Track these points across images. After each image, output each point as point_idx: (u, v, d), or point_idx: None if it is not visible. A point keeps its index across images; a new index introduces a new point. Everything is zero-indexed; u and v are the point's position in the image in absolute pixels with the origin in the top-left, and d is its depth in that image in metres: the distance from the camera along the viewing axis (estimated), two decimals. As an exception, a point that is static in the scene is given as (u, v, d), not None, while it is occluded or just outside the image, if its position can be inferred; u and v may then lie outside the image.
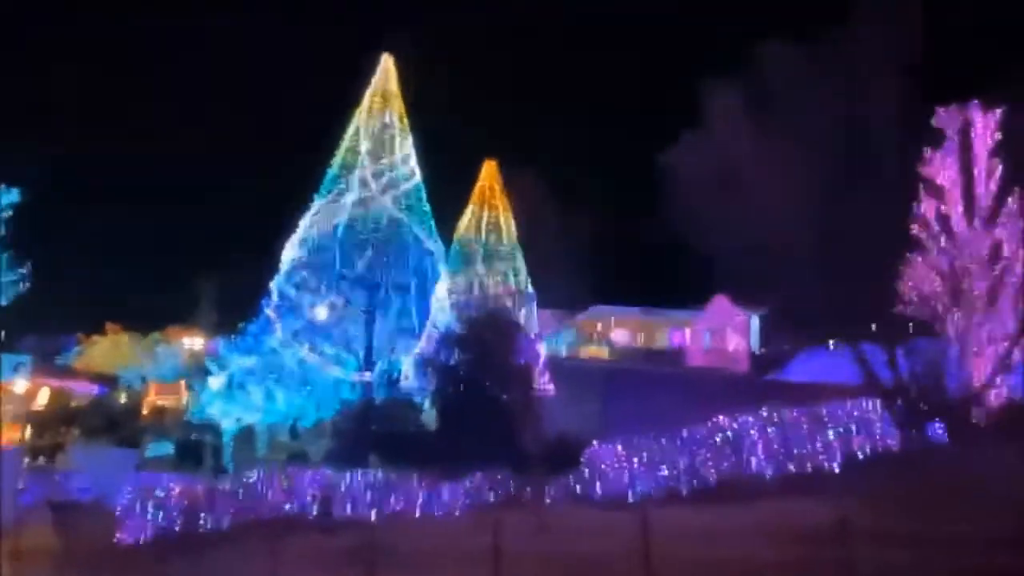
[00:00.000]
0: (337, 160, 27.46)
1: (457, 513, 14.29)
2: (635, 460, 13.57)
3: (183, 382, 54.26)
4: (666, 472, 13.41)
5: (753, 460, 13.19)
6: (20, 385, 34.86)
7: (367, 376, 25.67)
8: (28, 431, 31.62)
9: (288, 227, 27.63)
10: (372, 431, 21.09)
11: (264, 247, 28.96)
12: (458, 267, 29.91)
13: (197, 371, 55.28)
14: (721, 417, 13.59)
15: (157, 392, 50.34)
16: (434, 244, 27.99)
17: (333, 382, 27.26)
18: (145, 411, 46.71)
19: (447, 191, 31.25)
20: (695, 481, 13.27)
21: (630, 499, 13.20)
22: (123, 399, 47.80)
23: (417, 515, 14.46)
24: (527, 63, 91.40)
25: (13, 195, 24.71)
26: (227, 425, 31.45)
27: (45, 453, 28.90)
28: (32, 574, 13.10)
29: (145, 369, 54.45)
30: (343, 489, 14.63)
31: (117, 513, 17.73)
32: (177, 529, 14.01)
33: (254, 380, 27.70)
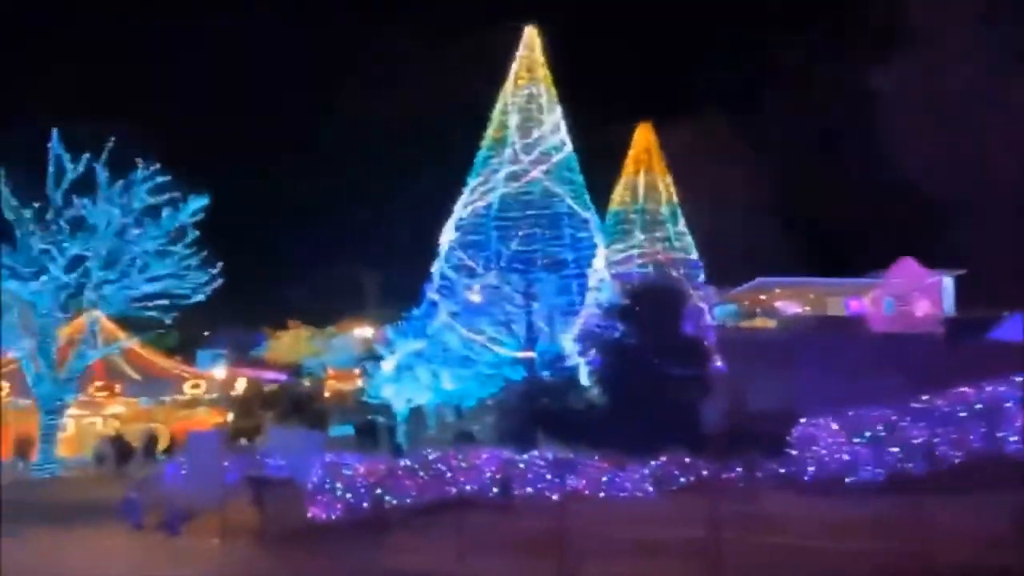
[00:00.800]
0: (487, 138, 26.98)
1: (644, 496, 12.98)
2: (854, 439, 11.45)
3: (357, 368, 57.44)
4: (896, 452, 11.20)
5: (1010, 437, 10.61)
6: (220, 374, 38.30)
7: (529, 354, 25.00)
8: (230, 415, 34.60)
9: (446, 211, 27.61)
10: (537, 409, 20.26)
11: (425, 234, 29.26)
12: (616, 237, 28.41)
13: (369, 357, 58.26)
14: (965, 388, 11.07)
15: (335, 378, 53.68)
16: (590, 215, 26.68)
17: (495, 361, 26.98)
18: (326, 395, 49.93)
19: (601, 159, 29.81)
20: (934, 463, 10.96)
21: (850, 484, 11.16)
22: (307, 385, 51.41)
23: (602, 497, 13.33)
24: (674, 12, 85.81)
25: (203, 200, 26.74)
26: (399, 406, 32.33)
27: (245, 434, 31.09)
28: (237, 545, 13.49)
29: (324, 358, 58.38)
30: (521, 468, 13.88)
31: (305, 488, 18.12)
32: (365, 506, 13.88)
33: (421, 362, 28.05)
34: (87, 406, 28.72)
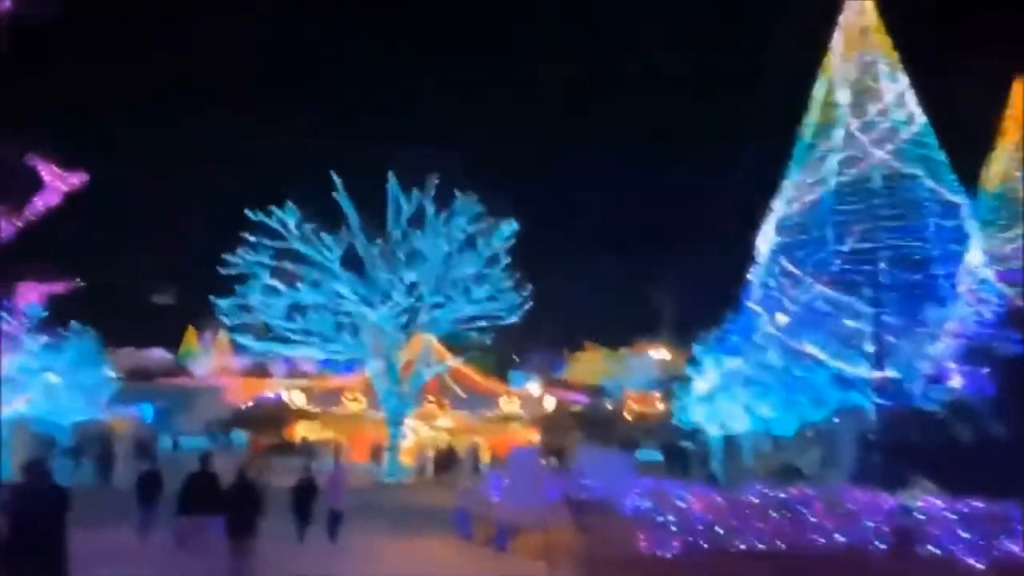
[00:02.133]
0: (809, 123, 22.96)
1: None
2: None
3: (656, 390, 55.52)
4: None
5: None
6: (532, 393, 39.57)
7: (881, 374, 20.16)
8: (541, 433, 35.25)
9: (759, 214, 24.11)
10: (912, 444, 15.79)
11: (731, 242, 26.25)
12: (1000, 223, 21.89)
13: (669, 379, 56.07)
14: None
15: (635, 400, 52.47)
16: (957, 198, 20.90)
17: (827, 383, 22.57)
18: (627, 417, 48.86)
19: (967, 129, 23.47)
20: None
21: None
22: (608, 407, 51.04)
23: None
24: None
25: (513, 226, 27.65)
26: (712, 432, 29.32)
27: (554, 453, 31.01)
28: (562, 570, 12.26)
29: (621, 380, 57.68)
30: (919, 519, 10.31)
31: (626, 515, 16.57)
32: (704, 546, 11.58)
33: (738, 383, 24.82)
34: (422, 418, 31.34)
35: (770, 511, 11.51)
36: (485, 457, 31.67)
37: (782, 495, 11.90)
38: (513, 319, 27.96)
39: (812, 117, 22.87)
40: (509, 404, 33.26)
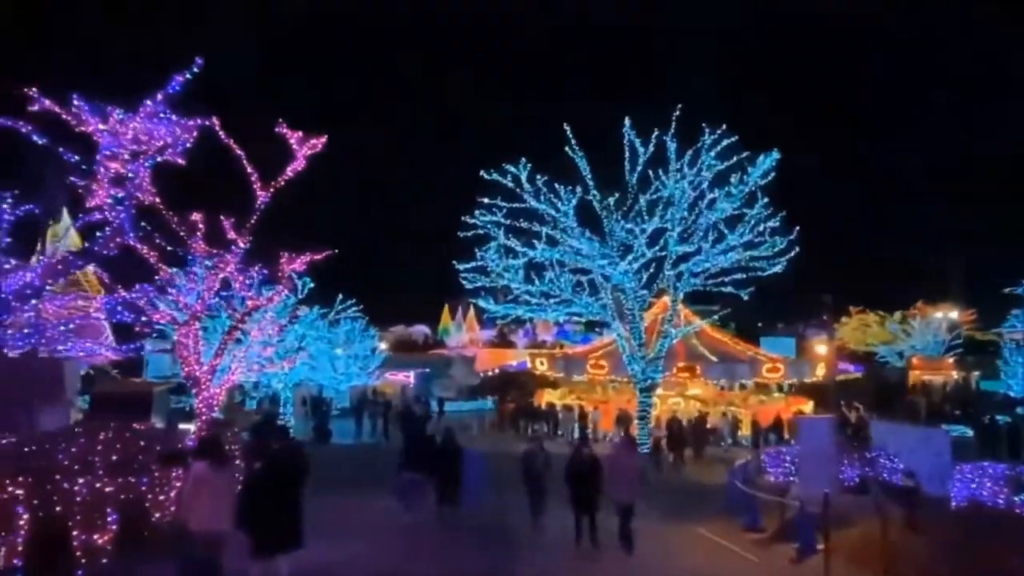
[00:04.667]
0: None
1: None
2: None
3: (949, 355, 45.50)
4: None
5: None
6: (794, 359, 33.70)
7: None
8: (810, 404, 29.55)
9: None
10: None
11: None
12: None
13: (967, 342, 45.43)
14: None
15: (920, 368, 43.14)
16: None
17: None
18: (911, 387, 40.12)
19: None
20: None
21: None
22: (887, 376, 42.52)
23: None
24: None
25: (772, 157, 22.70)
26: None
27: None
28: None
29: (901, 346, 48.00)
30: None
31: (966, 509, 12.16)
32: None
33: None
34: (671, 385, 27.82)
35: None
36: (745, 430, 27.19)
37: None
38: (776, 270, 23.01)
39: None
40: (771, 370, 28.06)
